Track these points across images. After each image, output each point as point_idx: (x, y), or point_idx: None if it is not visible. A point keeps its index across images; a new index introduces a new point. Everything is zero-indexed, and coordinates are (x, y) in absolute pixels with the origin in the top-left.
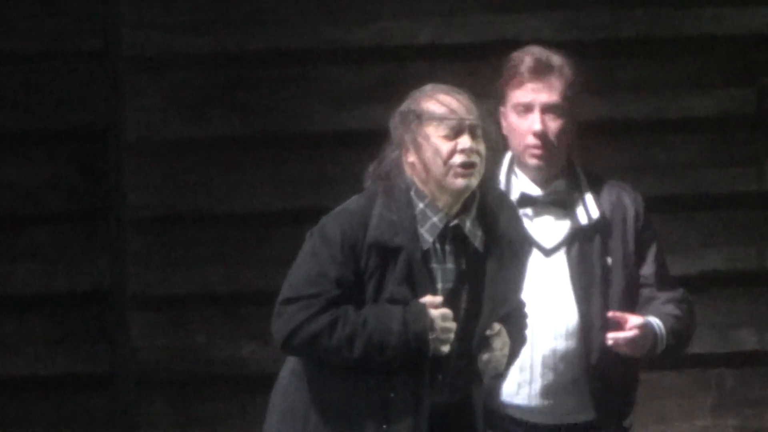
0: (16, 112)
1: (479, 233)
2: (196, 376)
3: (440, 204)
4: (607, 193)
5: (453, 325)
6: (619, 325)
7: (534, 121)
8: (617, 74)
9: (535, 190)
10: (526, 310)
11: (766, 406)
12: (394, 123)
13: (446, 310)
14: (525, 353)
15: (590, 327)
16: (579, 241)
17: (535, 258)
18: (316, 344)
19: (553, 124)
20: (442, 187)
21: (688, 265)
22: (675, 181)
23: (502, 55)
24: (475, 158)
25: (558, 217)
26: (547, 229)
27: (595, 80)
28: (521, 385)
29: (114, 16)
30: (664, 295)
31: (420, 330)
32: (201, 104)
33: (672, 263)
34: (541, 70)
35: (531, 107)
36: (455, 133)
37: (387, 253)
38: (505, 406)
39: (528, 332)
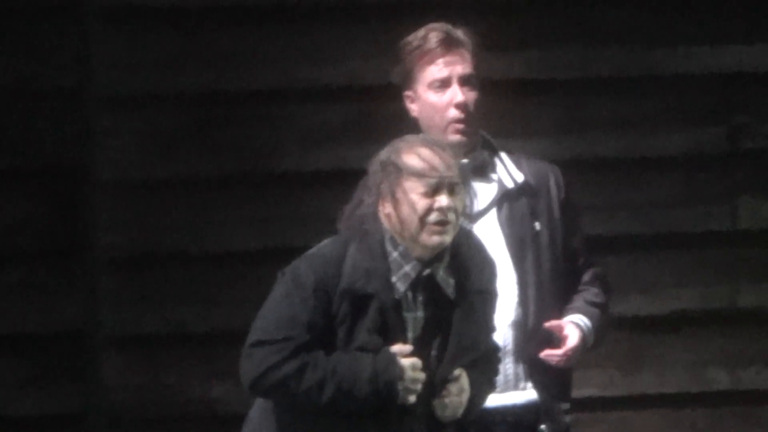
0: None
1: (451, 281)
2: (168, 416)
3: (414, 254)
4: (525, 162)
5: (422, 375)
6: (549, 334)
7: (456, 93)
8: (589, 112)
9: None
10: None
11: None
12: (374, 170)
13: (416, 360)
14: None
15: (526, 288)
16: (508, 204)
17: None
18: (285, 389)
19: (471, 95)
20: (416, 242)
21: (660, 304)
22: (647, 220)
23: (486, 94)
24: (452, 216)
25: (480, 183)
26: (470, 196)
27: (567, 118)
28: None
29: (86, 54)
30: (589, 273)
31: (389, 380)
32: (173, 143)
33: (644, 302)
34: (451, 43)
35: (449, 81)
36: (433, 191)
37: (359, 301)
38: None
39: None
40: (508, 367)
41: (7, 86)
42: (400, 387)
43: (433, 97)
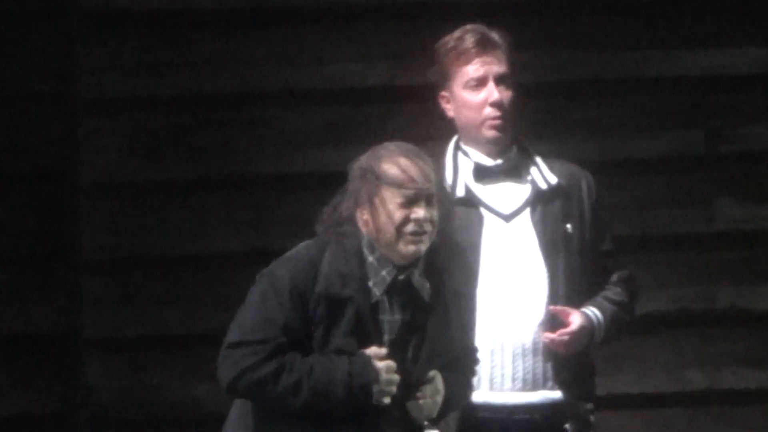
0: None
1: (427, 284)
2: (150, 416)
3: (390, 259)
4: (558, 165)
5: (397, 378)
6: (560, 319)
7: (491, 92)
8: (568, 116)
9: (490, 162)
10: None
11: None
12: (353, 175)
13: (391, 363)
14: (496, 321)
15: (556, 288)
16: (541, 204)
17: (493, 225)
18: (261, 390)
19: (506, 94)
20: (392, 249)
21: (638, 305)
22: (625, 222)
23: None
24: (428, 227)
25: (514, 184)
26: (504, 196)
27: (546, 122)
28: (499, 352)
29: (70, 58)
30: (616, 274)
31: (365, 382)
32: (156, 147)
33: None
34: (486, 44)
35: (485, 80)
36: (410, 202)
37: (336, 304)
38: (480, 403)
39: (498, 298)
40: (536, 366)
41: None
42: (374, 389)
43: (470, 96)
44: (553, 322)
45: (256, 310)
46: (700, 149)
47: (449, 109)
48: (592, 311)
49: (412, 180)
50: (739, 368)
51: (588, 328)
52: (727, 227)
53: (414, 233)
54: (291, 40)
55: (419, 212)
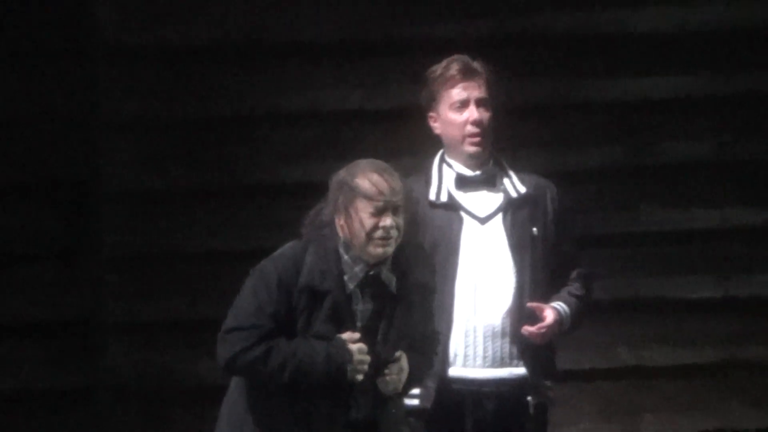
0: (13, 168)
1: (394, 278)
2: (161, 388)
3: (362, 258)
4: (528, 177)
5: (368, 358)
6: (535, 315)
7: (472, 112)
8: (519, 133)
9: (469, 173)
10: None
11: (642, 412)
12: (333, 186)
13: (362, 345)
14: (470, 308)
15: (523, 284)
16: (512, 211)
17: (470, 227)
18: (253, 369)
19: (485, 114)
20: (363, 250)
21: None
22: None
23: (420, 119)
24: (394, 232)
25: (489, 192)
26: (480, 202)
27: (501, 138)
28: (471, 334)
29: (93, 87)
30: (576, 271)
31: (341, 362)
32: (166, 160)
33: None
34: (468, 72)
35: (467, 102)
36: (380, 212)
37: (316, 295)
38: (455, 376)
39: (473, 289)
40: (504, 346)
41: (28, 113)
42: (349, 368)
43: (454, 116)
44: (521, 309)
45: (249, 300)
46: (626, 162)
47: (436, 127)
48: (561, 306)
49: (381, 193)
50: (661, 347)
51: (558, 321)
52: (649, 228)
53: (382, 238)
54: (279, 71)
55: (387, 221)
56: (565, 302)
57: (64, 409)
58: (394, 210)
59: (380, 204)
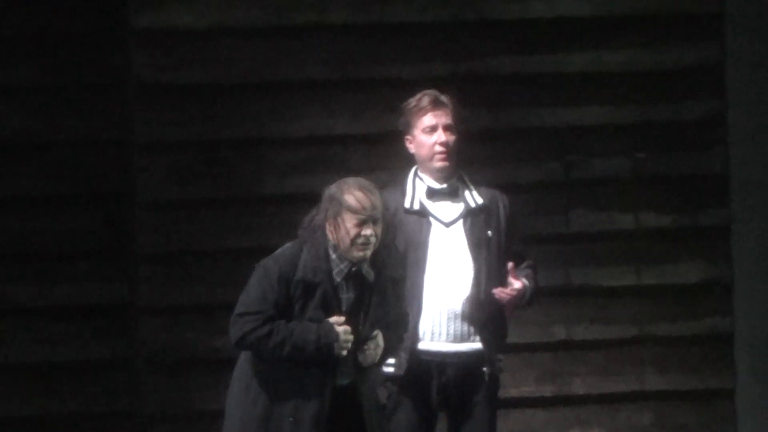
0: (66, 183)
1: (372, 272)
2: (184, 359)
3: (346, 257)
4: (485, 190)
5: (351, 337)
6: (492, 300)
7: (440, 135)
8: (475, 153)
9: (437, 186)
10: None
11: (572, 377)
12: (325, 198)
13: (347, 327)
14: (436, 295)
15: (480, 276)
16: (471, 217)
17: (437, 229)
18: (259, 345)
19: (451, 138)
20: (347, 252)
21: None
22: None
23: (394, 142)
24: (373, 240)
25: (453, 202)
26: (446, 210)
27: (462, 157)
28: (437, 315)
29: (130, 115)
30: (525, 263)
31: (329, 341)
32: (190, 175)
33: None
34: (438, 103)
35: (436, 127)
36: (362, 223)
37: (309, 287)
38: (423, 349)
39: (439, 279)
40: (463, 326)
41: (77, 138)
42: (336, 346)
43: (425, 138)
44: (478, 296)
45: (255, 290)
46: (559, 176)
47: (411, 147)
48: (525, 281)
49: (364, 209)
50: (588, 325)
51: (523, 291)
52: (579, 229)
53: (363, 244)
54: (280, 103)
55: (367, 231)
56: (528, 279)
57: (105, 376)
58: (374, 221)
59: (363, 217)
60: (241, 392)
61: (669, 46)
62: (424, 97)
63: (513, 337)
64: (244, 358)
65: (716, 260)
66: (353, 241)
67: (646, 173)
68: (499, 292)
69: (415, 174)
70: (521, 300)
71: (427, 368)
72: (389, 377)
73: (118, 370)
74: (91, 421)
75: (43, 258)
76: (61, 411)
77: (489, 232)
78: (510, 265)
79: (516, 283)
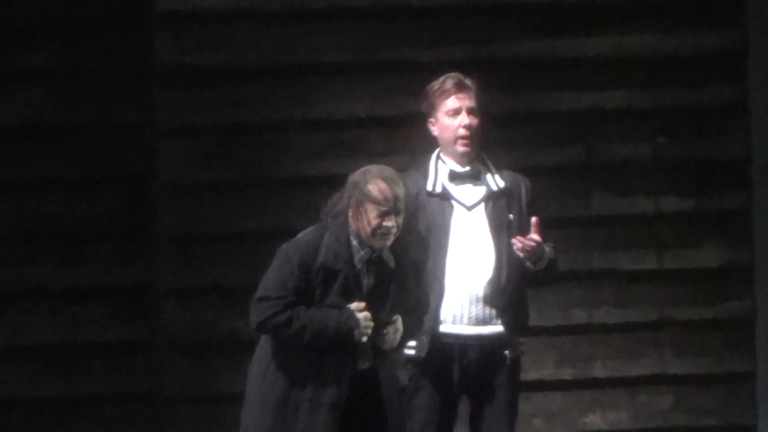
0: (89, 166)
1: (392, 257)
2: (205, 340)
3: (367, 244)
4: (506, 174)
5: (371, 324)
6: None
7: (463, 119)
8: (498, 136)
9: (459, 169)
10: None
11: (593, 360)
12: (349, 185)
13: (367, 314)
14: (458, 278)
15: (501, 260)
16: (492, 201)
17: (459, 212)
18: (278, 331)
19: (474, 121)
20: (368, 240)
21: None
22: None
23: (414, 125)
24: (393, 230)
25: (475, 185)
26: (468, 193)
27: (484, 141)
28: (459, 298)
29: (151, 99)
30: (545, 244)
31: (349, 328)
32: (210, 159)
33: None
34: (461, 86)
35: (459, 110)
36: (383, 215)
37: (330, 273)
38: (444, 332)
39: (460, 263)
40: (485, 309)
41: (100, 122)
42: (356, 332)
43: (448, 121)
44: (499, 279)
45: (275, 275)
46: (581, 159)
47: (434, 130)
48: (548, 245)
49: (386, 200)
50: (609, 308)
51: (542, 249)
52: (600, 212)
53: (384, 234)
54: (301, 86)
55: (389, 223)
56: (549, 247)
57: (127, 357)
58: (396, 212)
59: (384, 209)
60: (260, 375)
61: (691, 31)
62: (448, 80)
63: (533, 320)
64: (264, 341)
65: (736, 244)
66: (374, 231)
67: (667, 157)
68: (517, 240)
69: (438, 157)
70: (538, 258)
71: (448, 351)
72: (411, 359)
73: (139, 351)
74: (112, 403)
75: (65, 240)
76: (83, 392)
77: (510, 216)
78: (534, 219)
79: (535, 236)
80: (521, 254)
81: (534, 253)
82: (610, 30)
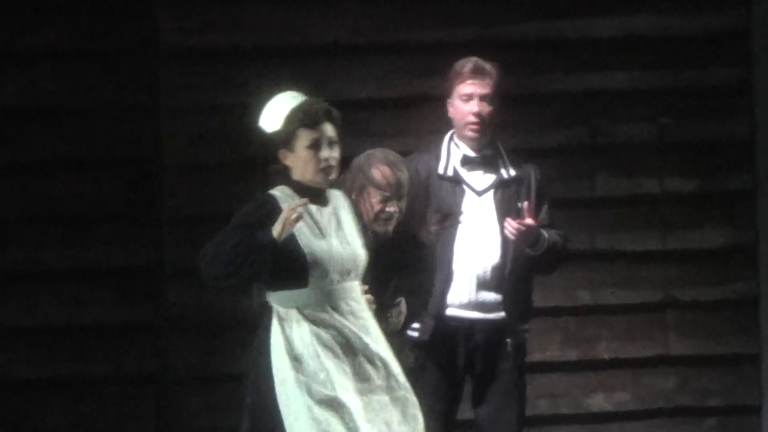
0: (93, 147)
1: (399, 239)
2: (210, 321)
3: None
4: (518, 161)
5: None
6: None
7: (474, 106)
8: (503, 118)
9: (472, 153)
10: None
11: (597, 341)
12: (353, 168)
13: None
14: (465, 262)
15: (507, 247)
16: (502, 188)
17: (469, 197)
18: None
19: (486, 109)
20: (370, 225)
21: (541, 247)
22: None
23: (424, 107)
24: (396, 215)
25: (486, 172)
26: (478, 178)
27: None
28: (466, 283)
29: (156, 80)
30: (553, 231)
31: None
32: (214, 140)
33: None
34: (478, 71)
35: (472, 96)
36: (386, 200)
37: None
38: (450, 315)
39: (468, 247)
40: (491, 294)
41: (105, 103)
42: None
43: (461, 106)
44: (505, 265)
45: None
46: (585, 141)
47: (450, 112)
48: (543, 229)
49: (389, 185)
50: (614, 290)
51: (536, 232)
52: (604, 193)
53: (386, 219)
54: (306, 67)
55: (391, 208)
56: (546, 231)
57: (132, 339)
58: (398, 197)
59: (387, 194)
60: (258, 358)
61: (696, 12)
62: (468, 64)
63: (538, 301)
64: (262, 322)
65: (741, 225)
66: (377, 216)
67: (671, 138)
68: (508, 223)
69: (451, 139)
70: (534, 243)
71: (454, 334)
72: (416, 342)
73: (145, 333)
74: (118, 384)
75: (70, 222)
76: (88, 373)
77: (519, 204)
78: (525, 204)
79: (528, 221)
80: (512, 237)
81: (527, 236)
82: (615, 11)
